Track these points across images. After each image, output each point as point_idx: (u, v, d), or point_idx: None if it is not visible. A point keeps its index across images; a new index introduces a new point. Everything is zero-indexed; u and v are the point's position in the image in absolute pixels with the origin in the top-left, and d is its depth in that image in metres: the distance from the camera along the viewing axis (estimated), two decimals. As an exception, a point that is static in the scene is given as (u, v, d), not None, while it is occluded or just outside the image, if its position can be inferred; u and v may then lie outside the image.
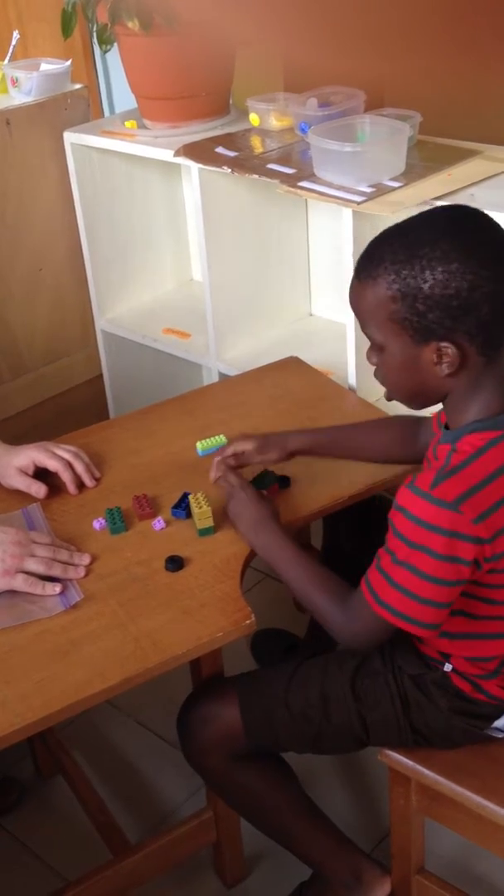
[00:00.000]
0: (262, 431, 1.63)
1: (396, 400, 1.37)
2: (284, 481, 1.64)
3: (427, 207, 1.82)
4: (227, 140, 2.23)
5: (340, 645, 1.40)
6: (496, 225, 1.22)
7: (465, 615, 1.31)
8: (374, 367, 1.31)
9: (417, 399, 1.31)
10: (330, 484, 1.64)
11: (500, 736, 1.45)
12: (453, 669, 1.41)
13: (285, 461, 1.60)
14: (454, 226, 1.20)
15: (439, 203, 1.82)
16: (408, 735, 1.45)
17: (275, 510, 1.51)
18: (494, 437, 1.22)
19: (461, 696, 1.41)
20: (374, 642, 1.36)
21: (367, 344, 1.31)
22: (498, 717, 1.43)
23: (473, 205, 1.77)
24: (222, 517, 1.53)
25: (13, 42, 2.65)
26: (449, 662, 1.41)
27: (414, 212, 1.84)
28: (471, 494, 1.19)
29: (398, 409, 1.47)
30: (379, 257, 1.22)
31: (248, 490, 1.52)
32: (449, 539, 1.20)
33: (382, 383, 1.32)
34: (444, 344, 1.20)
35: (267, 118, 2.25)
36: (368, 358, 1.30)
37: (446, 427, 1.30)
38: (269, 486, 1.60)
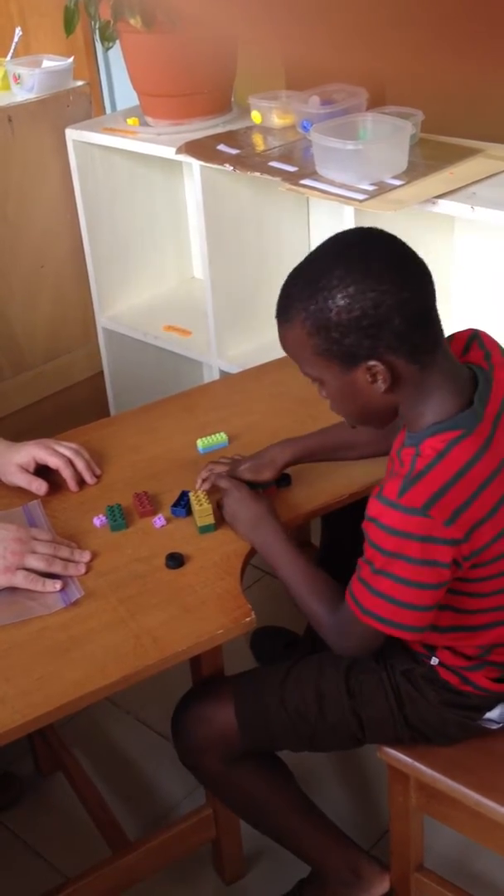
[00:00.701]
0: (253, 451, 1.62)
1: (358, 426, 1.39)
2: (285, 479, 1.64)
3: (429, 205, 1.83)
4: (229, 137, 2.23)
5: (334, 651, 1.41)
6: (390, 238, 1.24)
7: (454, 610, 1.32)
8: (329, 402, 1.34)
9: (371, 420, 1.34)
10: (329, 482, 1.64)
11: (494, 727, 1.45)
12: (440, 663, 1.41)
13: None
14: (344, 251, 1.24)
15: (441, 201, 1.83)
16: (403, 730, 1.45)
17: (271, 507, 1.52)
18: (454, 437, 1.23)
19: (450, 689, 1.42)
20: (365, 649, 1.38)
21: None
22: (489, 707, 1.44)
23: (475, 203, 1.79)
24: (221, 517, 1.54)
25: (15, 39, 2.65)
26: (435, 656, 1.41)
27: (415, 210, 1.85)
28: (438, 497, 1.20)
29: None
30: (288, 298, 1.26)
31: (243, 489, 1.53)
32: (423, 544, 1.21)
33: (338, 414, 1.36)
34: (371, 363, 1.22)
35: (269, 116, 2.25)
36: (319, 394, 1.33)
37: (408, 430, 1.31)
38: (267, 487, 1.60)
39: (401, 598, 1.25)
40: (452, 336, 1.35)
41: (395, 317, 1.18)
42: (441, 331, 1.25)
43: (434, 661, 1.42)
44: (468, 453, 1.22)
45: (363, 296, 1.18)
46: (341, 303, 1.19)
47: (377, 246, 1.23)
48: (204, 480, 1.59)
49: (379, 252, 1.22)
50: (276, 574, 1.47)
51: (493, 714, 1.44)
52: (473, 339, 1.35)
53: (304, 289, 1.23)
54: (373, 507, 1.24)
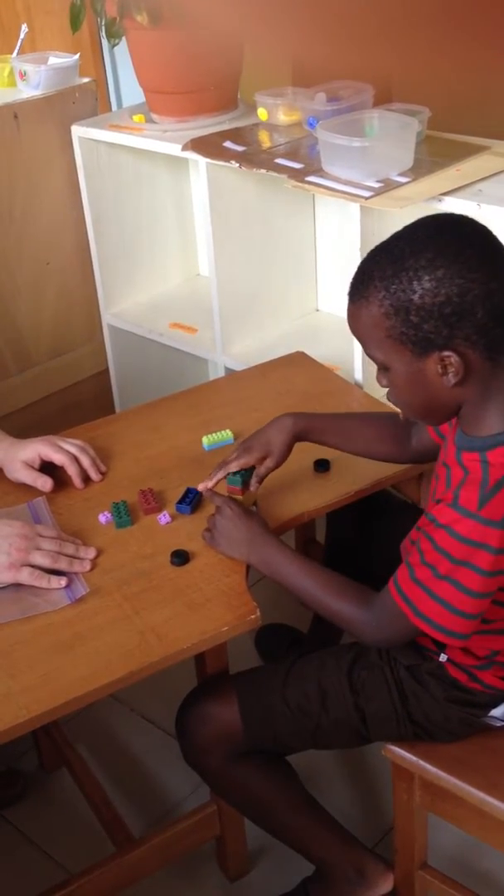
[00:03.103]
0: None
1: (414, 419, 1.35)
2: (324, 465, 1.63)
3: (436, 202, 1.83)
4: (235, 134, 2.23)
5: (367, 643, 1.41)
6: (481, 228, 1.21)
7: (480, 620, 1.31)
8: (386, 390, 1.30)
9: (433, 415, 1.30)
10: (336, 479, 1.64)
11: (498, 724, 1.45)
12: (448, 660, 1.41)
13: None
14: (437, 233, 1.19)
15: (448, 199, 1.82)
16: (407, 727, 1.45)
17: (263, 522, 1.49)
18: None
19: (457, 686, 1.42)
20: (404, 640, 1.37)
21: None
22: (495, 705, 1.43)
23: (482, 200, 1.78)
24: (203, 540, 1.51)
25: (21, 36, 2.64)
26: (444, 653, 1.41)
27: (422, 207, 1.84)
28: None
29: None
30: (368, 276, 1.21)
31: (234, 507, 1.49)
32: (497, 556, 1.20)
33: (396, 405, 1.31)
34: (445, 353, 1.18)
35: (275, 113, 2.25)
36: (378, 381, 1.29)
37: (463, 433, 1.28)
38: (244, 482, 1.55)
39: (459, 606, 1.24)
40: None
41: (479, 308, 1.15)
42: None
43: (443, 657, 1.41)
44: None
45: (451, 281, 1.14)
46: (427, 286, 1.15)
47: (471, 233, 1.19)
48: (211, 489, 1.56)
49: (473, 240, 1.18)
50: (285, 587, 1.44)
51: (497, 711, 1.44)
52: None
53: (386, 267, 1.18)
54: (445, 515, 1.22)
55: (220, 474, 1.55)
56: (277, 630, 2.15)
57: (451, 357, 1.18)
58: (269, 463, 1.53)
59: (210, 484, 1.55)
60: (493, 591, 1.24)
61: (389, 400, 1.32)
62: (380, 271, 1.19)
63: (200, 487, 1.57)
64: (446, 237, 1.18)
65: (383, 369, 1.26)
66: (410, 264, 1.16)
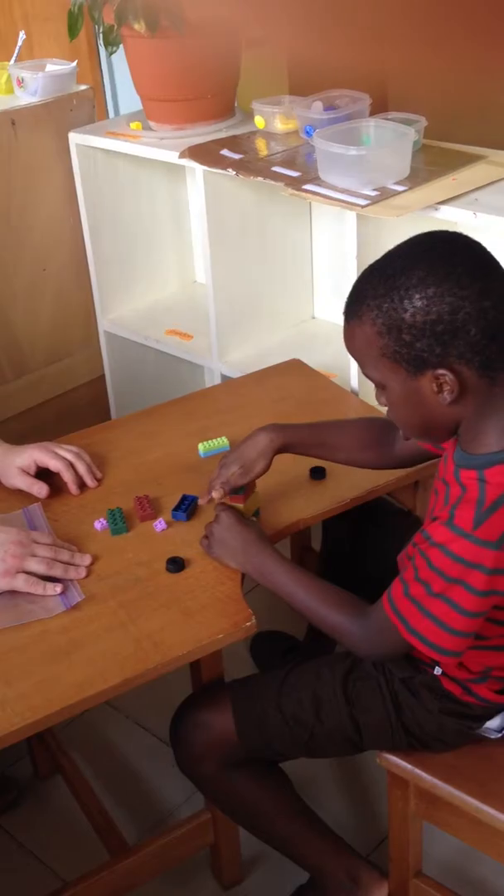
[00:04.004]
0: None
1: (415, 438, 1.35)
2: (319, 473, 1.64)
3: (432, 211, 1.84)
4: (232, 142, 2.24)
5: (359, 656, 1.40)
6: (474, 244, 1.20)
7: (474, 636, 1.31)
8: (386, 409, 1.30)
9: (432, 433, 1.29)
10: (332, 487, 1.64)
11: (493, 736, 1.45)
12: (443, 673, 1.41)
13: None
14: (428, 251, 1.19)
15: (444, 207, 1.83)
16: (401, 737, 1.45)
17: (260, 530, 1.49)
18: None
19: (451, 699, 1.42)
20: (396, 655, 1.37)
21: None
22: (489, 717, 1.43)
23: (478, 209, 1.79)
24: (202, 548, 1.50)
25: (19, 42, 2.65)
26: (439, 666, 1.41)
27: (418, 215, 1.85)
28: None
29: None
30: (361, 295, 1.21)
31: (231, 515, 1.48)
32: (491, 577, 1.20)
33: (395, 423, 1.31)
34: (440, 371, 1.17)
35: (272, 121, 2.26)
36: (378, 399, 1.28)
37: (462, 450, 1.27)
38: (245, 491, 1.54)
39: (451, 624, 1.23)
40: None
41: (472, 326, 1.14)
42: None
43: (437, 671, 1.41)
44: None
45: (442, 299, 1.14)
46: (418, 304, 1.15)
47: (463, 250, 1.19)
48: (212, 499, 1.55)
49: (464, 257, 1.18)
50: (280, 596, 1.43)
51: (492, 724, 1.44)
52: None
53: (378, 286, 1.18)
54: (440, 533, 1.21)
55: (216, 494, 1.53)
56: (273, 637, 2.14)
57: (446, 375, 1.17)
58: (246, 478, 1.52)
59: (203, 501, 1.56)
60: (487, 610, 1.24)
61: (389, 417, 1.31)
62: (372, 290, 1.19)
63: (202, 502, 1.56)
64: (437, 254, 1.18)
65: (380, 388, 1.25)
66: (402, 283, 1.16)
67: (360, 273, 1.25)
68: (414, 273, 1.15)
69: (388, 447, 1.53)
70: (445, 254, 1.18)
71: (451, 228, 2.13)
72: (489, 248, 1.20)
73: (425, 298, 1.14)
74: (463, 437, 1.26)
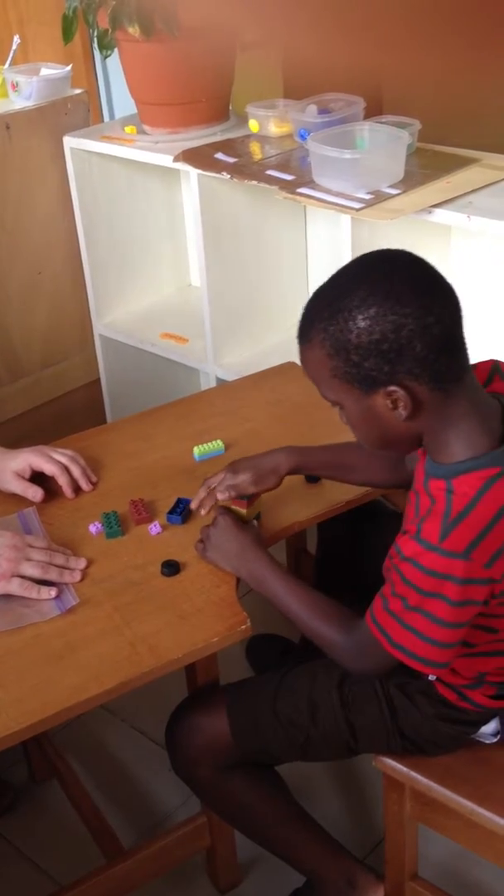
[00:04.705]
0: (253, 453, 1.58)
1: (381, 451, 1.35)
2: (314, 478, 1.64)
3: (426, 214, 1.84)
4: (227, 146, 2.24)
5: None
6: (415, 260, 1.21)
7: (463, 644, 1.31)
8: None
9: (393, 447, 1.30)
10: (327, 489, 1.64)
11: (489, 741, 1.45)
12: (437, 679, 1.41)
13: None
14: (368, 271, 1.20)
15: (438, 210, 1.83)
16: (396, 740, 1.45)
17: (257, 535, 1.49)
18: (492, 475, 1.19)
19: (447, 704, 1.42)
20: (383, 670, 1.36)
21: None
22: (485, 722, 1.43)
23: (472, 212, 1.79)
24: (196, 550, 1.50)
25: (14, 46, 2.65)
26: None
27: (412, 219, 1.85)
28: (480, 540, 1.18)
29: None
30: (310, 319, 1.23)
31: (228, 518, 1.49)
32: (463, 587, 1.19)
33: (359, 440, 1.31)
34: (391, 388, 1.18)
35: (266, 124, 2.26)
36: (340, 418, 1.29)
37: (432, 460, 1.27)
38: (249, 495, 1.54)
39: (432, 636, 1.23)
40: (475, 366, 1.30)
41: (417, 342, 1.15)
42: (467, 358, 1.22)
43: (432, 676, 1.41)
44: None
45: (384, 318, 1.15)
46: (361, 325, 1.16)
47: (402, 268, 1.19)
48: (203, 500, 1.55)
49: (403, 274, 1.18)
50: (271, 603, 1.44)
51: (488, 728, 1.44)
52: (496, 370, 1.31)
53: (324, 309, 1.20)
54: (409, 547, 1.21)
55: (221, 496, 1.53)
56: (268, 640, 2.14)
57: (398, 392, 1.18)
58: (254, 489, 1.53)
59: (195, 505, 1.55)
60: (468, 619, 1.23)
61: (354, 435, 1.31)
62: (318, 313, 1.21)
63: (193, 506, 1.56)
64: (377, 274, 1.19)
65: (338, 407, 1.27)
66: (345, 304, 1.17)
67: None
68: (356, 294, 1.17)
69: (399, 466, 1.53)
70: (385, 273, 1.19)
71: (444, 231, 2.15)
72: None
73: (368, 319, 1.16)
74: (429, 447, 1.26)
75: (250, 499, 1.53)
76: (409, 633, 1.24)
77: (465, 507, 1.18)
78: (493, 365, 1.32)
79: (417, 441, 1.26)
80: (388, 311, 1.15)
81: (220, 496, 1.52)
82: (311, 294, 1.26)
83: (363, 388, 1.20)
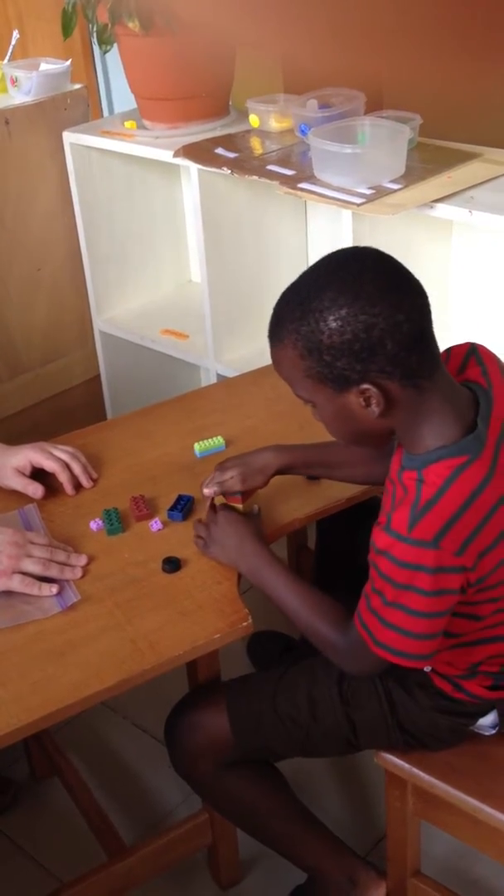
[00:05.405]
0: (241, 452, 1.58)
1: (355, 446, 1.36)
2: (314, 476, 1.63)
3: (427, 209, 1.83)
4: (227, 141, 2.23)
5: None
6: (383, 258, 1.21)
7: (447, 634, 1.30)
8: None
9: (367, 442, 1.32)
10: (326, 486, 1.64)
11: (487, 733, 1.45)
12: (433, 670, 1.41)
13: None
14: (337, 270, 1.20)
15: (439, 205, 1.83)
16: (397, 735, 1.45)
17: (257, 530, 1.49)
18: (461, 464, 1.20)
19: (443, 696, 1.42)
20: (377, 670, 1.36)
21: None
22: (482, 714, 1.43)
23: (473, 207, 1.79)
24: (197, 546, 1.50)
25: (13, 41, 2.64)
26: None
27: (413, 214, 1.84)
28: (449, 528, 1.18)
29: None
30: (280, 319, 1.23)
31: (228, 513, 1.48)
32: (435, 576, 1.19)
33: (333, 436, 1.32)
34: (364, 387, 1.19)
35: (267, 119, 2.25)
36: (314, 416, 1.30)
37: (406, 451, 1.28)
38: (244, 491, 1.53)
39: (412, 630, 1.23)
40: (450, 350, 1.32)
41: (388, 341, 1.16)
42: (438, 353, 1.22)
43: (427, 667, 1.41)
44: (475, 481, 1.19)
45: (355, 319, 1.15)
46: (333, 325, 1.16)
47: (370, 267, 1.20)
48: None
49: (372, 274, 1.19)
50: (269, 598, 1.44)
51: (485, 721, 1.44)
52: (471, 354, 1.32)
53: (295, 310, 1.20)
54: (381, 539, 1.21)
55: (208, 491, 1.52)
56: (269, 637, 2.14)
57: (370, 390, 1.19)
58: (241, 487, 1.52)
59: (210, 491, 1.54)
60: (446, 609, 1.23)
61: (329, 432, 1.32)
62: (290, 314, 1.21)
63: (206, 492, 1.54)
64: (345, 274, 1.19)
65: (312, 406, 1.27)
66: (315, 305, 1.17)
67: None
68: (325, 295, 1.17)
69: (386, 461, 1.53)
70: (354, 272, 1.19)
71: (445, 226, 2.14)
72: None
73: (339, 319, 1.16)
74: (403, 440, 1.27)
75: (243, 495, 1.53)
76: (389, 630, 1.24)
77: (433, 495, 1.19)
78: (468, 349, 1.33)
79: (389, 436, 1.27)
80: (358, 311, 1.15)
81: (206, 491, 1.52)
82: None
83: (336, 386, 1.21)
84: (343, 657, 1.36)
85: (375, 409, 1.20)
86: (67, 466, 1.65)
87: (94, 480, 1.68)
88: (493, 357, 1.34)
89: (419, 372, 1.19)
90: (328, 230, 2.38)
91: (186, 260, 2.78)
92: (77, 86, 2.58)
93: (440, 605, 1.22)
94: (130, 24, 2.12)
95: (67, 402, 2.75)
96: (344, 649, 1.35)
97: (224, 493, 1.52)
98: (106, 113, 3.22)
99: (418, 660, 1.27)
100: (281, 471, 1.55)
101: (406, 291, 1.19)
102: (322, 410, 1.26)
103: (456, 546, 1.19)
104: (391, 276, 1.20)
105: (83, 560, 1.49)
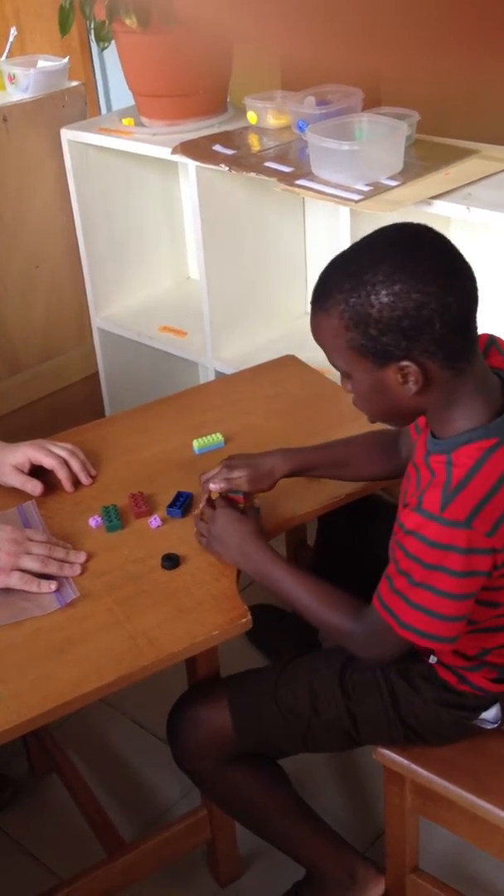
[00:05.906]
0: (252, 452, 1.57)
1: (380, 422, 1.37)
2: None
3: (425, 206, 1.83)
4: (225, 138, 2.23)
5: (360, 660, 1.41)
6: (439, 238, 1.22)
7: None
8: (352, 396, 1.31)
9: (396, 419, 1.33)
10: (327, 483, 1.64)
11: (489, 727, 1.45)
12: (438, 661, 1.41)
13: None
14: (394, 246, 1.20)
15: (437, 202, 1.83)
16: (398, 729, 1.45)
17: (258, 527, 1.48)
18: (491, 446, 1.21)
19: (447, 688, 1.42)
20: (396, 655, 1.36)
21: None
22: (485, 707, 1.44)
23: (471, 204, 1.79)
24: (197, 543, 1.50)
25: (10, 38, 2.64)
26: (433, 654, 1.41)
27: (411, 210, 1.84)
28: (480, 509, 1.19)
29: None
30: (328, 288, 1.23)
31: (229, 511, 1.48)
32: (467, 556, 1.20)
33: (360, 409, 1.33)
34: (404, 363, 1.19)
35: (265, 116, 2.25)
36: (343, 386, 1.31)
37: (433, 435, 1.28)
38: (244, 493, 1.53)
39: (439, 611, 1.23)
40: None
41: (437, 321, 1.16)
42: (477, 337, 1.23)
43: (432, 659, 1.41)
44: None
45: (408, 296, 1.15)
46: (385, 300, 1.16)
47: (427, 245, 1.20)
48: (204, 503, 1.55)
49: (428, 252, 1.19)
50: (276, 593, 1.43)
51: (488, 714, 1.44)
52: (492, 343, 1.33)
53: (346, 279, 1.20)
54: (411, 520, 1.21)
55: (215, 487, 1.52)
56: (261, 610, 2.12)
57: (411, 367, 1.19)
58: (248, 488, 1.52)
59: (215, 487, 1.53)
60: (474, 591, 1.24)
61: (355, 405, 1.32)
62: (339, 283, 1.21)
63: (213, 487, 1.53)
64: (401, 250, 1.19)
65: (346, 377, 1.28)
66: (368, 278, 1.17)
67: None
68: (380, 269, 1.17)
69: (394, 457, 1.54)
70: (410, 249, 1.19)
71: (443, 223, 2.14)
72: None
73: (392, 295, 1.16)
74: (432, 423, 1.28)
75: (245, 495, 1.53)
76: (415, 611, 1.24)
77: (464, 476, 1.20)
78: (488, 339, 1.34)
79: (419, 415, 1.28)
80: (411, 288, 1.15)
81: (212, 486, 1.51)
82: (311, 285, 1.26)
83: (377, 361, 1.21)
84: (361, 645, 1.36)
85: (413, 386, 1.21)
86: (66, 463, 1.65)
87: (93, 477, 1.68)
88: None
89: (460, 355, 1.20)
90: (326, 227, 2.38)
91: (184, 257, 2.77)
92: (75, 83, 2.58)
93: (469, 587, 1.22)
94: (128, 21, 2.12)
95: (66, 400, 2.75)
96: (361, 636, 1.34)
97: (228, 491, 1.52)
98: (104, 110, 3.22)
99: (444, 642, 1.27)
100: (288, 475, 1.55)
101: (458, 274, 1.20)
102: (357, 383, 1.26)
103: (487, 527, 1.19)
104: (446, 256, 1.20)
105: (82, 557, 1.49)
